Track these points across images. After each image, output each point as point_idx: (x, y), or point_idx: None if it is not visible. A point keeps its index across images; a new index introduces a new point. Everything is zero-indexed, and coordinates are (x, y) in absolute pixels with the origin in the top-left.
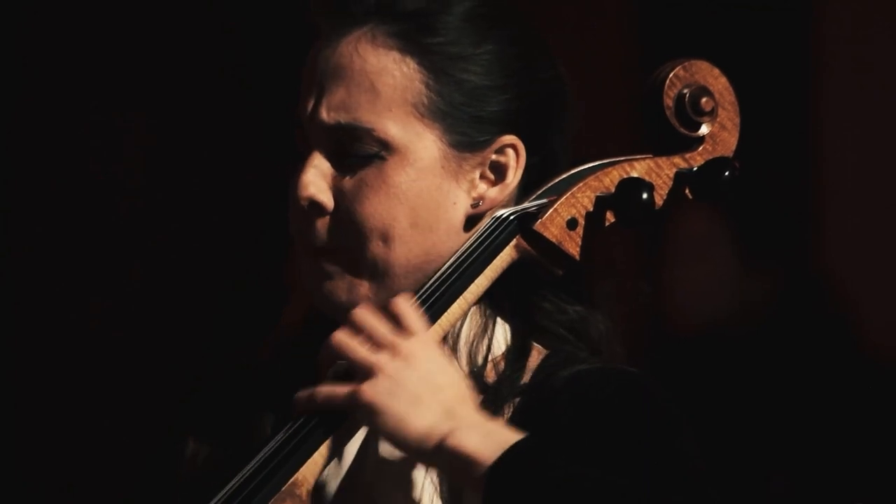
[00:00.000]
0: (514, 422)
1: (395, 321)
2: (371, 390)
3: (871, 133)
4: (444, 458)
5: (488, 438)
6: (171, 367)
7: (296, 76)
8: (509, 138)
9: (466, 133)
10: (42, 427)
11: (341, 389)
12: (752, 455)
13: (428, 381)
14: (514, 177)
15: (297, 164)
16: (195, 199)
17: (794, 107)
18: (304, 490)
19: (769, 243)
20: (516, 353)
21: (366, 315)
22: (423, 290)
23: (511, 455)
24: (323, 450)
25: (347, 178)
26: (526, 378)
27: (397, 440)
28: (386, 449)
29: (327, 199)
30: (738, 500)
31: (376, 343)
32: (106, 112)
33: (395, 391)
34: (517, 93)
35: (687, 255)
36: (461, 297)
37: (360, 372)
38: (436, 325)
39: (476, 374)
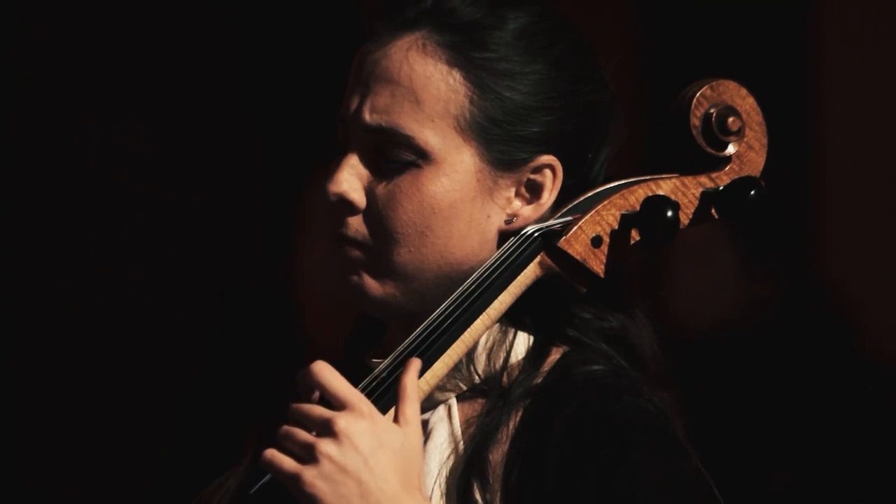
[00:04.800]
0: (523, 424)
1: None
2: (309, 474)
3: (872, 135)
4: None
5: None
6: (172, 368)
7: (297, 77)
8: (548, 158)
9: (505, 151)
10: (42, 427)
11: (289, 463)
12: (753, 455)
13: (373, 462)
14: (549, 197)
15: (335, 158)
16: (195, 199)
17: (794, 108)
18: None
19: (771, 246)
20: (534, 357)
21: (300, 406)
22: (446, 306)
23: None
24: None
25: (382, 181)
26: (541, 377)
27: None
28: None
29: (359, 198)
30: (739, 500)
31: (313, 426)
32: (106, 112)
33: (336, 477)
34: (561, 115)
35: (689, 259)
36: (484, 314)
37: (303, 458)
38: (458, 341)
39: (491, 379)
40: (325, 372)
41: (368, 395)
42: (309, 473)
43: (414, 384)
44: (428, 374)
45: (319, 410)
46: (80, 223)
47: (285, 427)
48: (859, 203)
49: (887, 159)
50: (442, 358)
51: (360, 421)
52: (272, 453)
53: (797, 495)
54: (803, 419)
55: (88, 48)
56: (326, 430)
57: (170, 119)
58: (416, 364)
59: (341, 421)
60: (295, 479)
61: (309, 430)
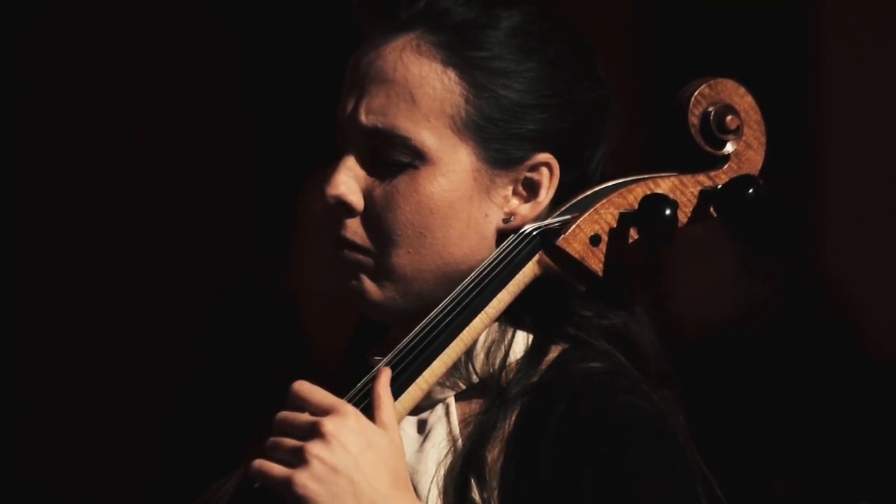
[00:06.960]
0: (519, 422)
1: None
2: (301, 476)
3: (872, 135)
4: None
5: None
6: (172, 368)
7: (297, 77)
8: (544, 156)
9: (501, 149)
10: (42, 427)
11: (279, 469)
12: (754, 455)
13: (363, 462)
14: (546, 195)
15: (332, 161)
16: (195, 199)
17: (794, 108)
18: None
19: (771, 246)
20: (532, 356)
21: (285, 414)
22: (445, 305)
23: None
24: None
25: (379, 182)
26: (538, 375)
27: None
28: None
29: (357, 200)
30: (739, 500)
31: (300, 431)
32: (106, 112)
33: (328, 477)
34: (557, 112)
35: (689, 259)
36: (483, 312)
37: (293, 462)
38: (457, 340)
39: (489, 378)
40: (304, 386)
41: (368, 393)
42: (300, 476)
43: (386, 391)
44: (426, 373)
45: (305, 416)
46: (80, 223)
47: (272, 438)
48: (859, 203)
49: (887, 159)
50: (440, 357)
51: (347, 422)
52: (260, 462)
53: (797, 495)
54: (804, 419)
55: (88, 48)
56: (314, 433)
57: (170, 119)
58: (386, 373)
59: (329, 423)
60: (286, 483)
61: (296, 438)
